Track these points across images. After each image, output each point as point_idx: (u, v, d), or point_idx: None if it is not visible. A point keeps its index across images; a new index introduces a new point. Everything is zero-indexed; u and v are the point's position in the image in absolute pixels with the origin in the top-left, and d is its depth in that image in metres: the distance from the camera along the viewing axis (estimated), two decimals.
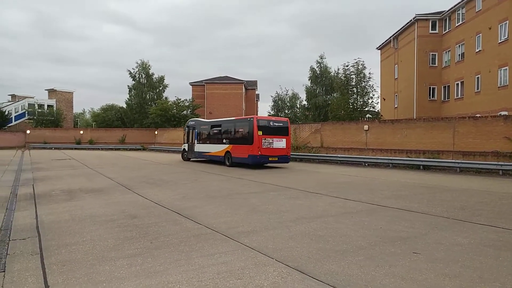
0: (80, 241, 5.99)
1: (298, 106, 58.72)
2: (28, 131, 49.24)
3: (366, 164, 22.93)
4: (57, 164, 22.87)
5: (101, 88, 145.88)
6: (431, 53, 33.96)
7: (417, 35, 33.88)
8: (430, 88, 34.01)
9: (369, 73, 35.22)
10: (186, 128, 27.63)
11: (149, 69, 55.36)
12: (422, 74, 33.74)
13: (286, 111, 58.84)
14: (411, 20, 34.20)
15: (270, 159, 19.99)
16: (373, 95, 35.82)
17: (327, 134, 28.42)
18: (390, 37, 39.70)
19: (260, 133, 19.56)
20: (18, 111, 56.07)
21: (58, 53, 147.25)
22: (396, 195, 10.94)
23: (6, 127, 52.29)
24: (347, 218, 7.71)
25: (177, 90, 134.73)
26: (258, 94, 70.64)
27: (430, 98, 34.03)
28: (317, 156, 26.28)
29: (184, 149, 27.29)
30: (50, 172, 17.86)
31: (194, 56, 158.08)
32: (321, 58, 48.60)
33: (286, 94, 58.74)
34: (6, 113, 53.14)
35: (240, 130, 21.31)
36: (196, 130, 25.90)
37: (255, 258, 5.14)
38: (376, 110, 40.14)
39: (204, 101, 56.15)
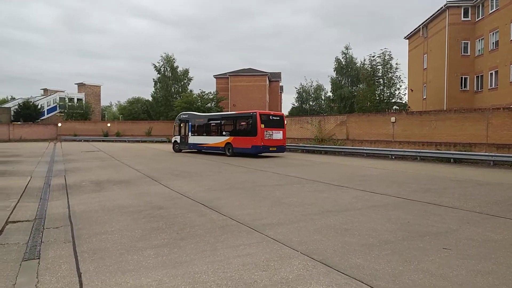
0: (109, 230, 6.17)
1: (323, 97, 57.95)
2: (59, 124, 51.16)
3: (393, 157, 22.42)
4: (86, 156, 23.63)
5: (127, 81, 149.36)
6: (463, 42, 32.58)
7: (449, 23, 32.55)
8: (461, 78, 32.69)
9: (396, 64, 34.27)
10: (178, 121, 28.58)
11: (174, 62, 55.97)
12: (454, 64, 32.46)
13: (311, 103, 58.23)
14: (442, 7, 32.86)
15: (270, 149, 22.49)
16: (400, 86, 34.87)
17: (353, 126, 27.94)
18: (419, 25, 38.35)
19: (262, 126, 21.86)
20: (50, 105, 58.32)
21: (86, 47, 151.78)
22: (424, 188, 10.64)
23: (39, 120, 54.48)
24: (373, 211, 7.56)
25: (202, 83, 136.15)
26: (282, 86, 70.25)
27: (461, 88, 32.73)
28: (342, 148, 25.92)
29: (175, 141, 28.27)
30: (80, 164, 18.47)
31: (217, 48, 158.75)
32: (347, 49, 47.63)
33: (311, 86, 58.08)
34: (39, 106, 55.35)
35: (243, 123, 23.53)
36: (190, 123, 27.12)
37: (280, 250, 5.13)
38: (404, 102, 39.04)
39: (228, 93, 56.32)
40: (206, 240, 5.58)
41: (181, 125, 27.94)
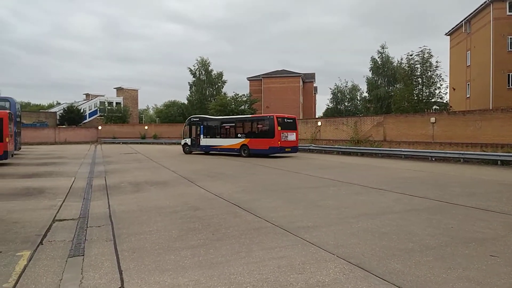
0: (147, 230, 6.35)
1: (358, 98, 56.70)
2: (99, 127, 53.54)
3: (433, 159, 21.52)
4: (125, 158, 24.52)
5: (163, 85, 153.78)
6: (509, 37, 30.73)
7: (493, 17, 30.83)
8: (508, 75, 30.83)
9: (436, 62, 32.84)
10: (188, 125, 29.26)
11: (209, 65, 56.93)
12: (500, 60, 30.67)
13: (346, 104, 57.12)
14: (486, 1, 31.20)
15: (286, 149, 23.70)
16: (441, 85, 33.35)
17: (390, 127, 27.11)
18: (461, 21, 36.63)
19: (279, 128, 23.12)
20: (91, 109, 61.20)
21: (124, 53, 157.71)
22: (469, 192, 10.11)
23: (81, 124, 57.29)
24: (413, 215, 7.28)
25: (235, 85, 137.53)
26: (316, 87, 69.43)
27: (509, 86, 30.86)
28: (379, 150, 25.22)
29: (185, 143, 29.02)
30: (119, 165, 19.19)
31: (250, 50, 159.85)
32: (383, 48, 46.34)
33: (346, 86, 56.94)
34: (82, 110, 58.25)
35: (259, 126, 24.77)
36: (201, 126, 27.96)
37: (315, 253, 5.05)
38: (445, 101, 37.37)
39: (261, 95, 56.47)
40: (241, 242, 5.60)
41: (192, 128, 28.72)
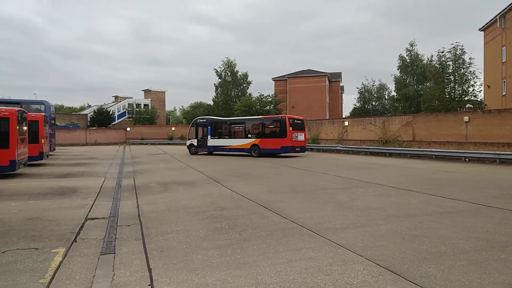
0: (175, 230, 6.45)
1: (386, 97, 55.38)
2: (128, 129, 55.03)
3: (467, 159, 20.72)
4: (153, 159, 25.06)
5: (189, 86, 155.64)
6: None
7: None
8: None
9: (470, 59, 31.54)
10: (195, 126, 29.45)
11: (234, 66, 57.28)
12: None
13: (373, 103, 55.96)
14: None
15: (296, 149, 24.72)
16: (475, 82, 32.00)
17: (420, 126, 26.33)
18: (496, 15, 35.04)
19: (290, 128, 23.97)
20: (120, 111, 62.98)
21: (151, 56, 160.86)
22: (506, 194, 9.66)
23: (111, 125, 59.07)
24: (445, 218, 7.03)
25: (260, 86, 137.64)
26: (343, 86, 68.44)
27: None
28: (408, 150, 24.55)
29: (191, 144, 29.24)
30: (147, 166, 19.63)
31: (275, 51, 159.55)
32: (411, 46, 45.04)
33: (373, 85, 55.78)
34: (111, 112, 60.08)
35: (271, 126, 25.70)
36: (209, 127, 28.30)
37: (343, 255, 4.98)
38: (479, 99, 35.86)
39: (286, 95, 56.25)
40: (268, 242, 5.59)
41: (198, 129, 28.99)
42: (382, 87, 55.75)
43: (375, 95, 55.86)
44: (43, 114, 21.26)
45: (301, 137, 25.30)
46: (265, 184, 11.98)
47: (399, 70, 45.78)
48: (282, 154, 25.16)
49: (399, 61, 45.61)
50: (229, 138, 27.36)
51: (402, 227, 6.35)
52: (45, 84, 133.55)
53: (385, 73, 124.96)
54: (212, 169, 17.03)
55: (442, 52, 32.50)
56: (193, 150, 29.01)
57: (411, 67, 44.75)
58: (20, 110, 15.10)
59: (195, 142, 29.02)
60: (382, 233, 6.03)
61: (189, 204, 8.85)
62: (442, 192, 9.91)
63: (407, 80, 45.28)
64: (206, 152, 28.58)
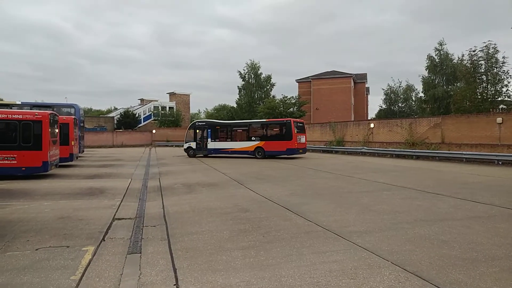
0: (200, 231, 6.53)
1: (413, 98, 54.04)
2: (153, 131, 56.20)
3: (500, 163, 19.89)
4: (177, 160, 25.46)
5: (213, 89, 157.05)
6: None
7: None
8: None
9: (503, 57, 30.27)
10: (193, 129, 29.36)
11: (258, 69, 57.45)
12: None
13: (400, 104, 54.74)
14: None
15: (299, 151, 25.87)
16: (508, 82, 30.67)
17: (449, 128, 25.51)
18: None
19: (295, 131, 25.24)
20: (145, 113, 64.39)
21: (176, 59, 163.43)
22: None
23: (137, 128, 60.49)
24: (476, 223, 6.78)
25: (283, 88, 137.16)
26: (368, 88, 67.32)
27: None
28: (437, 153, 23.82)
29: (189, 146, 29.08)
30: (172, 167, 19.96)
31: (299, 53, 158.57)
32: (440, 45, 43.77)
33: (400, 86, 54.55)
34: (137, 115, 61.53)
35: (276, 129, 26.71)
36: (209, 130, 28.57)
37: (368, 259, 4.89)
38: None
39: (310, 97, 55.87)
40: (292, 245, 5.57)
41: (197, 132, 29.00)
42: (409, 88, 54.46)
43: (402, 96, 54.64)
44: (73, 117, 22.03)
45: (303, 139, 26.39)
46: (288, 187, 11.94)
47: (427, 70, 44.57)
48: (293, 155, 26.16)
49: (427, 61, 44.43)
50: (231, 140, 27.91)
51: (430, 232, 6.17)
52: (75, 88, 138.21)
53: (412, 74, 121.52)
54: (235, 171, 17.12)
55: (474, 51, 31.39)
56: (191, 153, 28.92)
57: (440, 67, 43.48)
58: (52, 113, 15.72)
59: (193, 145, 28.93)
60: (409, 237, 5.89)
61: (213, 205, 8.93)
62: (473, 197, 9.56)
63: (436, 81, 44.03)
64: (202, 155, 28.60)
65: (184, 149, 29.78)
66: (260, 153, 26.23)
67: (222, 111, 67.12)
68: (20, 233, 6.37)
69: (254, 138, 26.82)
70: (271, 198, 9.75)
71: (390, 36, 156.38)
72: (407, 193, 10.26)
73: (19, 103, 26.44)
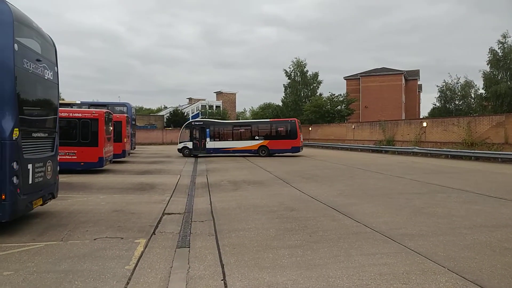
0: (246, 228, 6.58)
1: (472, 95, 50.43)
2: None
3: None
4: (223, 158, 25.90)
5: (258, 88, 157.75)
6: None
7: None
8: None
9: None
10: (190, 128, 28.81)
11: (304, 66, 56.81)
12: None
13: (457, 102, 51.37)
14: None
15: (301, 148, 27.78)
16: None
17: None
18: None
19: (300, 130, 27.11)
20: (194, 112, 66.38)
21: (222, 59, 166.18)
22: None
23: None
24: None
25: (331, 85, 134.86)
26: (421, 85, 64.09)
27: None
28: (500, 154, 22.10)
29: (185, 146, 28.43)
30: (219, 165, 20.33)
31: (346, 49, 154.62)
32: (504, 37, 40.34)
33: (457, 83, 51.10)
34: (185, 114, 63.57)
35: (281, 129, 27.90)
36: (207, 130, 28.37)
37: (422, 264, 4.64)
38: None
39: (359, 95, 54.25)
40: (339, 246, 5.44)
41: (193, 131, 28.47)
42: (468, 85, 50.89)
43: (459, 93, 51.20)
44: (125, 115, 23.18)
45: (301, 137, 28.07)
46: (336, 187, 11.69)
47: (489, 65, 41.33)
48: (295, 154, 27.55)
49: (489, 55, 41.19)
50: (232, 140, 28.20)
51: (492, 238, 5.73)
52: (127, 88, 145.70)
53: (470, 69, 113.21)
54: (281, 170, 17.08)
55: None
56: (187, 153, 28.39)
57: (504, 61, 40.16)
58: (107, 111, 16.66)
59: (189, 144, 28.45)
60: (467, 243, 5.51)
61: (259, 203, 8.97)
62: None
63: (499, 76, 40.74)
64: (200, 155, 28.13)
65: (178, 149, 28.96)
66: (264, 152, 27.14)
67: (267, 109, 67.28)
68: (80, 223, 6.81)
69: (257, 138, 27.58)
70: (317, 197, 9.60)
71: (446, 29, 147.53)
72: (465, 196, 9.62)
73: (79, 102, 28.34)
